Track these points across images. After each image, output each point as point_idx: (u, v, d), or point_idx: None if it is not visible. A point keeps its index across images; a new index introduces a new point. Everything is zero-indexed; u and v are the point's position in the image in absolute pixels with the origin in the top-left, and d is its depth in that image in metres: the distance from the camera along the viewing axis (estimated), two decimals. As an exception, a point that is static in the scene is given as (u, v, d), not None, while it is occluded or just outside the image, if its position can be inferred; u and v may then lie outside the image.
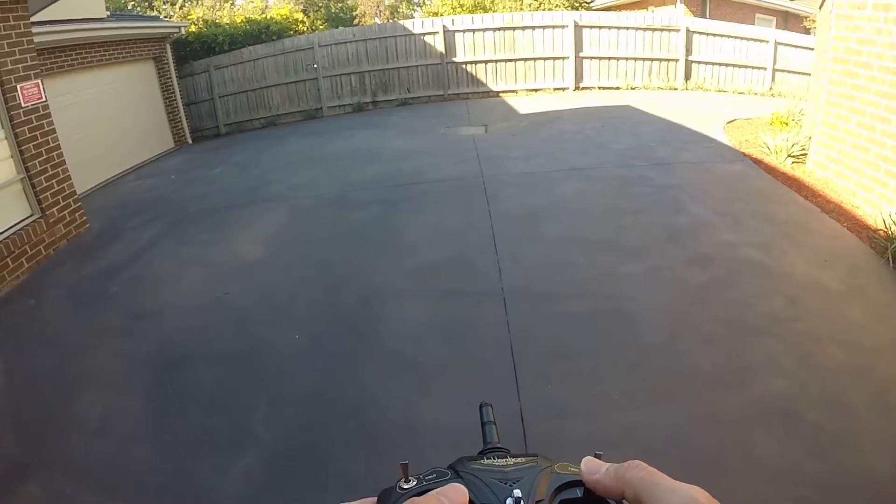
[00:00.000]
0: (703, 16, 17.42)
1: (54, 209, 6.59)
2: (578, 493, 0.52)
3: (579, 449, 0.61)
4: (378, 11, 30.58)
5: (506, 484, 0.52)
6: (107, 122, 10.04)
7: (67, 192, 6.84)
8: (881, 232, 5.06)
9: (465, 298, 4.66)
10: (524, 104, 12.56)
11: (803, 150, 7.17)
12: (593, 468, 0.52)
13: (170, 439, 3.42)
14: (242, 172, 9.32)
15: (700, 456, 2.85)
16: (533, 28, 13.28)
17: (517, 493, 0.50)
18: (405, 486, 0.52)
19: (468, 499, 0.49)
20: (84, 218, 7.11)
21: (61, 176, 6.76)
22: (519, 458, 0.58)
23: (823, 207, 5.81)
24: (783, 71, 12.45)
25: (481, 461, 0.57)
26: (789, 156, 7.17)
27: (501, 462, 0.57)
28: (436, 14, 18.89)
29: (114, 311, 5.08)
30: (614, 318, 4.18)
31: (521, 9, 16.32)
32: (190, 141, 12.96)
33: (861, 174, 5.83)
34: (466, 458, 0.59)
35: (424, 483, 0.53)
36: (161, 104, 12.28)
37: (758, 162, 7.30)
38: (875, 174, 5.61)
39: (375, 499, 0.53)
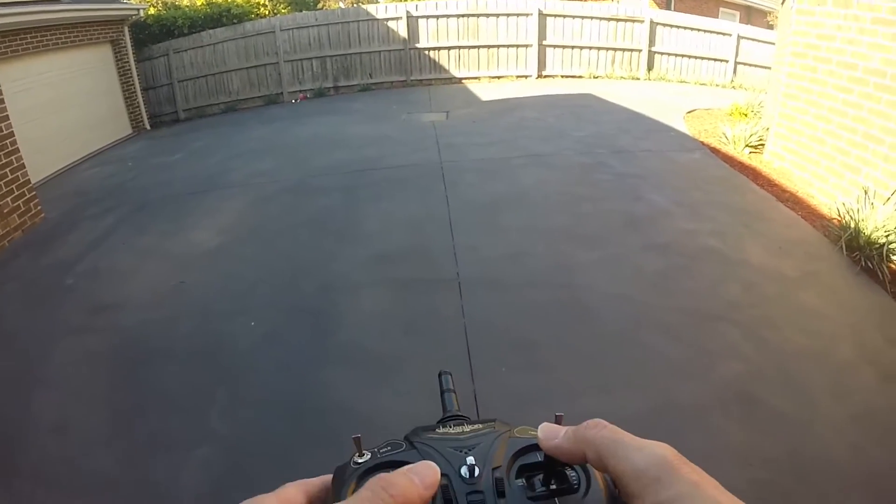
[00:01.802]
0: (667, 8, 17.59)
1: (8, 199, 6.36)
2: (539, 457, 0.49)
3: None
4: (342, -4, 30.13)
5: (461, 452, 0.48)
6: (62, 108, 9.70)
7: (21, 181, 6.60)
8: (835, 221, 5.21)
9: (422, 287, 4.67)
10: (486, 91, 12.56)
11: (761, 140, 7.32)
12: (550, 433, 0.48)
13: (129, 436, 3.36)
14: (202, 159, 9.13)
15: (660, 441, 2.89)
16: (497, 15, 13.26)
17: (470, 460, 0.47)
18: (359, 461, 0.49)
19: (440, 476, 0.45)
20: (39, 208, 6.88)
21: (15, 164, 6.52)
22: (476, 425, 0.54)
23: (779, 196, 5.96)
24: (745, 64, 12.67)
25: (437, 430, 0.54)
26: (747, 146, 7.32)
27: (458, 430, 0.54)
28: (400, -1, 18.68)
29: (72, 304, 4.93)
30: (572, 306, 4.23)
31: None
32: (148, 127, 12.62)
33: (817, 165, 5.99)
34: (422, 427, 0.55)
35: (379, 456, 0.50)
36: (118, 89, 11.89)
37: (716, 151, 7.44)
38: (831, 165, 5.76)
39: (331, 476, 0.50)
